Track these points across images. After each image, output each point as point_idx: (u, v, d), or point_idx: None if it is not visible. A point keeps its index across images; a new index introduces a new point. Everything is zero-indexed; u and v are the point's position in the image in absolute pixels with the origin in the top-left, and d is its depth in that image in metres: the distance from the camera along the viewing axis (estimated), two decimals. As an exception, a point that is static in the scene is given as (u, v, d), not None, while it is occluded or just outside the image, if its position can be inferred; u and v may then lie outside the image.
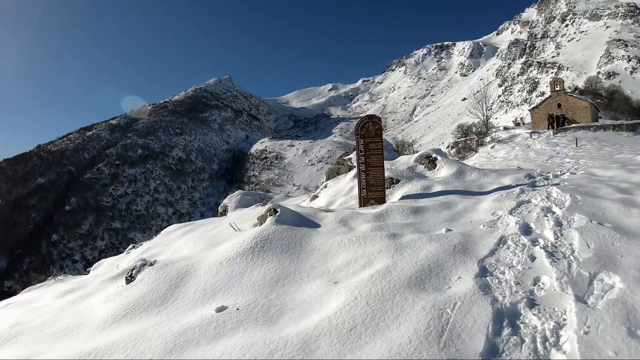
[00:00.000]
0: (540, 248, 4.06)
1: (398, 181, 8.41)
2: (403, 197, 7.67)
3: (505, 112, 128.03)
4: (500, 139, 28.54)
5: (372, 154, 7.88)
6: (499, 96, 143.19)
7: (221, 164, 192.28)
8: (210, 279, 4.75)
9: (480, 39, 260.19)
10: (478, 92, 42.22)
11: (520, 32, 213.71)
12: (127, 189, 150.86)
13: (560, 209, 5.30)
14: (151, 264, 5.66)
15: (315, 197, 10.59)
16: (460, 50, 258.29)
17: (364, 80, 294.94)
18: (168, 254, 7.37)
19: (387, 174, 8.66)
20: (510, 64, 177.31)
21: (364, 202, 7.94)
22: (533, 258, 3.90)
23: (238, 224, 8.42)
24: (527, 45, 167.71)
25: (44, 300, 7.13)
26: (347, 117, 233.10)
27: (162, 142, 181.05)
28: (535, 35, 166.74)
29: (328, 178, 11.27)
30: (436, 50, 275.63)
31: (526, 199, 6.09)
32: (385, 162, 10.10)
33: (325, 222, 6.35)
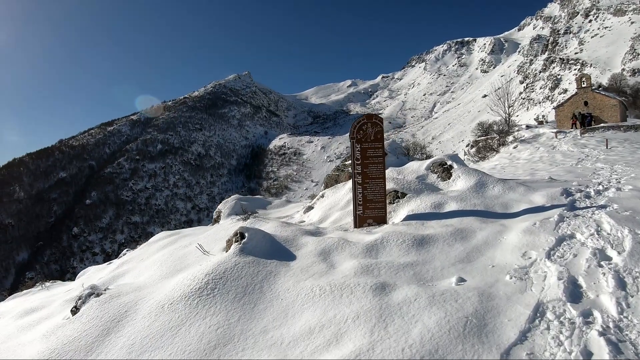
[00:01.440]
0: (599, 335, 2.58)
1: (404, 195, 6.93)
2: (408, 217, 6.21)
3: (527, 109, 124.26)
4: (523, 138, 26.57)
5: (370, 162, 6.44)
6: (520, 93, 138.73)
7: (240, 159, 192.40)
8: (144, 329, 4.05)
9: (501, 35, 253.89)
10: (499, 88, 40.16)
11: (543, 28, 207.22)
12: (146, 184, 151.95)
13: (619, 253, 3.78)
14: (98, 295, 5.27)
15: (310, 208, 9.19)
16: (481, 46, 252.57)
17: (383, 77, 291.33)
18: (130, 277, 6.75)
19: (390, 185, 7.20)
20: (532, 60, 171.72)
21: (359, 221, 6.51)
22: (588, 355, 2.41)
23: (211, 243, 7.32)
24: (550, 41, 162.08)
25: (6, 318, 7.04)
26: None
27: (181, 137, 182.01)
28: (558, 31, 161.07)
29: (326, 186, 9.91)
30: (456, 46, 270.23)
31: (568, 231, 4.55)
32: (390, 169, 8.65)
33: (302, 253, 5.07)
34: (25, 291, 13.14)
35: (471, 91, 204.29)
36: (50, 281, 14.54)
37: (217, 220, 13.12)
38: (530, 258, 3.97)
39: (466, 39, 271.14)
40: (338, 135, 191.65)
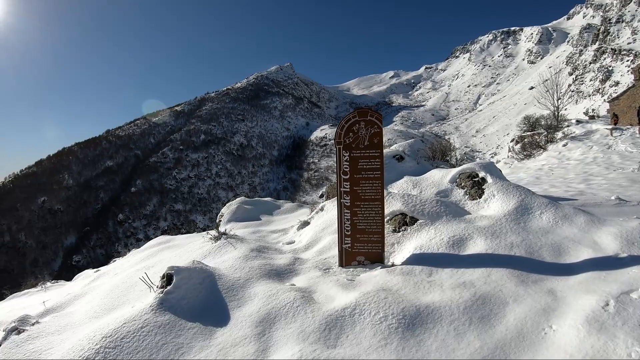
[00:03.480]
0: None
1: (414, 221, 5.01)
2: (414, 258, 4.32)
3: (576, 102, 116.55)
4: (573, 135, 23.41)
5: (363, 178, 4.58)
6: (569, 85, 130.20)
7: (281, 150, 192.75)
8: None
9: (549, 24, 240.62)
10: (546, 80, 36.64)
11: (593, 17, 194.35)
12: (190, 173, 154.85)
13: None
14: (19, 332, 4.60)
15: (306, 224, 7.40)
16: (528, 36, 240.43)
17: (426, 68, 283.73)
18: (78, 305, 5.94)
19: (397, 205, 5.30)
20: (581, 50, 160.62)
21: (346, 258, 4.69)
22: None
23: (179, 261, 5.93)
24: (600, 31, 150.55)
25: None
26: (409, 105, 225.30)
27: (224, 128, 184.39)
28: (609, 19, 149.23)
29: (328, 197, 8.14)
30: (502, 36, 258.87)
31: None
32: (404, 180, 6.70)
33: (239, 317, 3.72)
34: (25, 291, 12.67)
35: (517, 83, 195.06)
36: (53, 281, 13.80)
37: (218, 225, 11.69)
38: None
39: (512, 28, 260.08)
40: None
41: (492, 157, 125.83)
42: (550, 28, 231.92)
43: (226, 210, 11.96)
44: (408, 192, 6.23)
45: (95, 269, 11.60)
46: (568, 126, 26.28)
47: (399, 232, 5.02)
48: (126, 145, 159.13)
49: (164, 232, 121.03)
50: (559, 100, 30.15)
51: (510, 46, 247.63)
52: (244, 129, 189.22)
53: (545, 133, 24.72)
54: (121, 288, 5.60)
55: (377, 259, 4.58)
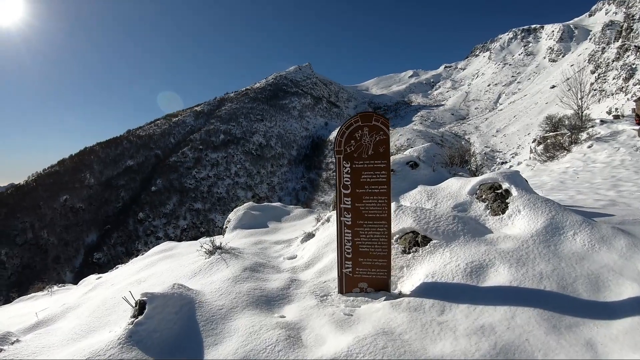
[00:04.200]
0: None
1: (427, 241, 4.38)
2: (424, 288, 3.70)
3: (598, 101, 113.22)
4: (598, 135, 22.19)
5: (367, 193, 3.98)
6: (591, 84, 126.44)
7: (300, 150, 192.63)
8: None
9: (570, 22, 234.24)
10: (568, 79, 35.17)
11: (616, 13, 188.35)
12: (209, 172, 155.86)
13: None
14: None
15: (310, 236, 6.82)
16: (549, 33, 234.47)
17: (446, 67, 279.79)
18: (66, 320, 5.60)
19: (408, 222, 4.67)
20: (604, 48, 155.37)
21: (346, 284, 4.10)
22: None
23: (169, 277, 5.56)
24: (623, 28, 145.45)
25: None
26: (428, 105, 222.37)
27: (243, 127, 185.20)
28: (633, 16, 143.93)
29: (334, 207, 7.46)
30: (523, 34, 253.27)
31: None
32: (419, 189, 6.05)
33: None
34: (31, 294, 12.57)
35: (538, 81, 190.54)
36: (60, 285, 13.63)
37: (225, 232, 11.21)
38: None
39: (533, 26, 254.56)
40: (399, 126, 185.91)
41: (512, 157, 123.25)
42: (571, 25, 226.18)
43: (233, 216, 11.45)
44: (421, 204, 5.59)
45: (97, 276, 11.36)
46: (592, 126, 25.04)
47: (409, 253, 4.39)
48: (147, 145, 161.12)
49: (183, 231, 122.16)
50: (581, 100, 28.88)
51: (531, 44, 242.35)
52: (262, 129, 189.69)
53: (569, 134, 23.58)
54: (107, 305, 5.31)
55: (382, 286, 3.97)
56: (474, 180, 5.48)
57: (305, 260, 5.65)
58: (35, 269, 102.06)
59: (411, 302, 3.43)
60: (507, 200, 4.81)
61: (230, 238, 9.70)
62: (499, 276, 3.60)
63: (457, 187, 5.64)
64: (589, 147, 20.34)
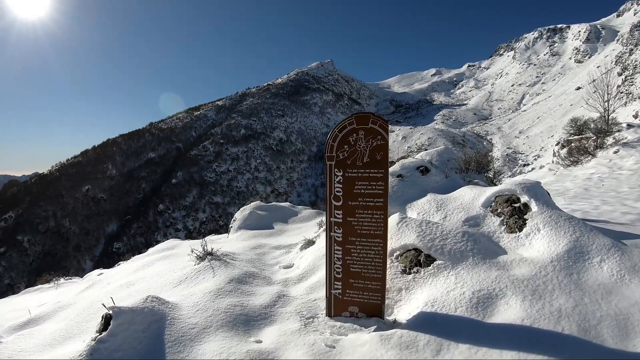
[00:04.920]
0: None
1: (431, 261, 3.87)
2: (423, 317, 3.20)
3: (625, 104, 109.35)
4: (625, 140, 21.03)
5: (360, 206, 3.49)
6: (618, 87, 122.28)
7: (320, 146, 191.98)
8: None
9: (597, 22, 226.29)
10: (594, 80, 33.78)
11: None
12: (229, 166, 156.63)
13: None
14: None
15: (310, 243, 6.36)
16: (575, 33, 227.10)
17: (469, 66, 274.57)
18: (48, 323, 5.50)
19: (411, 238, 4.16)
20: (632, 50, 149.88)
21: (335, 307, 3.64)
22: None
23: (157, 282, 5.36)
24: None
25: None
26: (451, 104, 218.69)
27: (264, 123, 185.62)
28: None
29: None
30: (548, 34, 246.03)
31: None
32: (428, 197, 5.53)
33: None
34: (38, 286, 12.54)
35: (564, 83, 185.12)
36: (67, 278, 13.50)
37: (229, 231, 10.86)
38: None
39: (559, 25, 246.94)
40: (420, 125, 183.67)
41: (535, 159, 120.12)
42: (598, 26, 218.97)
43: (239, 216, 11.12)
44: (429, 215, 5.06)
45: (99, 271, 11.21)
46: (619, 131, 23.88)
47: (410, 274, 3.88)
48: (168, 138, 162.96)
49: (202, 224, 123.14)
50: (607, 102, 27.66)
51: (556, 44, 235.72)
52: (283, 125, 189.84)
53: (594, 137, 22.52)
54: (92, 309, 5.05)
55: (374, 312, 3.49)
56: (489, 191, 4.93)
57: (299, 272, 5.20)
58: (56, 257, 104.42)
59: (404, 337, 2.93)
60: (525, 216, 4.25)
61: (233, 239, 9.37)
62: (509, 310, 3.06)
63: (470, 197, 5.09)
64: (615, 152, 19.33)
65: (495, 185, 7.03)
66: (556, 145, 26.91)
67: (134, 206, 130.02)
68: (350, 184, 3.47)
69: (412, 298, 3.60)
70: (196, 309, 3.90)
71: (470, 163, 7.00)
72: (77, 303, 6.14)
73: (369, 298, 3.50)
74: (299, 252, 6.34)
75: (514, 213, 4.38)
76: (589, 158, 20.04)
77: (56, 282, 11.89)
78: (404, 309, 3.52)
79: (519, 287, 3.26)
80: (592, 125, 25.52)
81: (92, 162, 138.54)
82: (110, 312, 3.54)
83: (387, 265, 3.95)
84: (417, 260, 3.93)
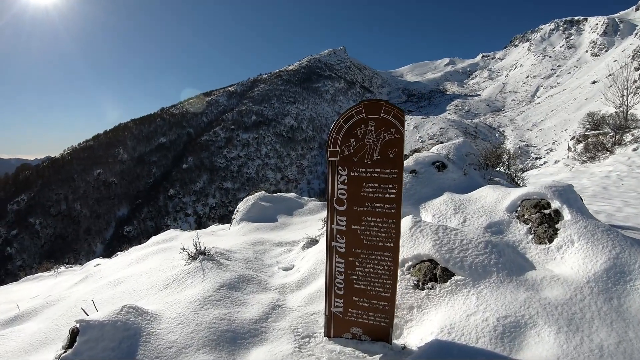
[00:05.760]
0: None
1: (448, 276, 3.34)
2: (437, 346, 2.71)
3: None
4: None
5: (369, 212, 2.97)
6: (635, 82, 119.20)
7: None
8: None
9: (616, 15, 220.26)
10: (611, 74, 32.56)
11: None
12: (239, 152, 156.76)
13: None
14: None
15: (314, 242, 5.87)
16: (593, 26, 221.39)
17: (483, 56, 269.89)
18: (42, 318, 5.16)
19: (426, 247, 3.63)
20: None
21: (335, 327, 3.16)
22: None
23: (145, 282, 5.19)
24: None
25: None
26: (464, 94, 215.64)
27: (275, 109, 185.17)
28: None
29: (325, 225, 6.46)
30: (565, 26, 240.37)
31: None
32: (444, 197, 5.00)
33: None
34: (38, 274, 12.34)
35: (579, 76, 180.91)
36: (66, 266, 13.26)
37: (231, 223, 10.42)
38: None
39: (576, 17, 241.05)
40: (432, 115, 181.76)
41: (547, 152, 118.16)
42: (616, 19, 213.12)
43: (242, 206, 10.62)
44: (446, 219, 4.53)
45: (97, 262, 10.87)
46: (638, 127, 22.94)
47: (424, 289, 3.37)
48: (179, 123, 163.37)
49: (212, 209, 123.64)
50: (624, 97, 26.58)
51: (572, 37, 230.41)
52: (294, 112, 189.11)
53: (612, 134, 21.63)
54: (74, 311, 4.77)
55: (380, 335, 2.99)
56: (515, 193, 4.38)
57: (299, 276, 4.73)
58: (67, 240, 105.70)
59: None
60: (556, 225, 3.71)
61: (234, 232, 8.94)
62: (542, 344, 2.54)
63: (493, 199, 4.54)
64: (634, 150, 18.51)
65: (517, 184, 6.44)
66: (571, 139, 26.01)
67: (145, 190, 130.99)
68: (357, 186, 2.95)
69: (424, 319, 3.10)
70: (177, 322, 3.44)
71: (491, 159, 6.40)
72: (65, 299, 5.81)
73: (375, 319, 3.00)
74: (300, 252, 5.86)
75: (544, 221, 3.83)
76: (607, 155, 19.22)
77: (56, 270, 11.66)
78: (415, 332, 3.02)
79: (552, 315, 2.74)
80: (612, 121, 24.56)
81: (104, 146, 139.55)
82: (78, 326, 3.10)
83: (397, 278, 3.45)
84: (432, 274, 3.41)
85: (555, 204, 3.89)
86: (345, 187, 2.97)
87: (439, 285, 3.30)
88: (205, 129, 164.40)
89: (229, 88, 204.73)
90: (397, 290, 3.37)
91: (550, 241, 3.63)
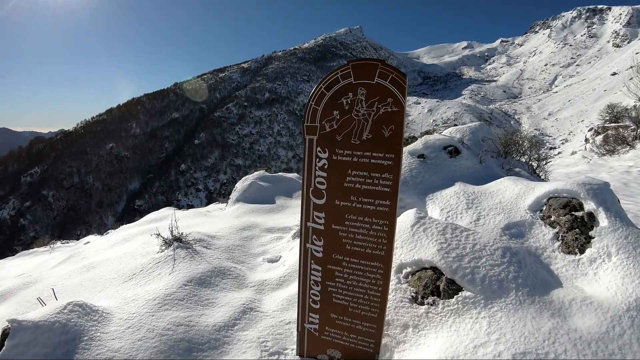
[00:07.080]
0: None
1: (455, 291, 2.68)
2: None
3: None
4: None
5: (354, 209, 2.30)
6: None
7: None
8: None
9: None
10: (632, 67, 31.10)
11: None
12: (252, 130, 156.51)
13: None
14: None
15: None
16: (616, 16, 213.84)
17: (502, 41, 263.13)
18: (10, 303, 4.80)
19: (430, 251, 2.97)
20: None
21: (309, 347, 2.57)
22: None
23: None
24: None
25: None
26: (480, 79, 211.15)
27: (289, 87, 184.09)
28: None
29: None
30: (587, 14, 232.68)
31: None
32: (456, 187, 4.33)
33: None
34: (33, 250, 12.09)
35: (599, 67, 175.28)
36: (64, 241, 13.00)
37: (228, 203, 9.86)
38: None
39: (599, 6, 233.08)
40: (447, 99, 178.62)
41: (562, 143, 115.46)
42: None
43: (239, 186, 10.03)
44: (456, 215, 3.87)
45: (86, 240, 10.51)
46: (659, 122, 21.76)
47: (423, 304, 2.73)
48: (192, 99, 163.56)
49: (222, 185, 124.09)
50: None
51: (595, 26, 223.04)
52: (308, 90, 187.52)
53: (633, 127, 20.54)
54: (42, 296, 4.22)
55: (364, 363, 2.37)
56: (540, 189, 3.68)
57: (283, 270, 4.15)
58: (79, 212, 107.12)
59: None
60: (590, 232, 3.02)
61: (227, 213, 8.39)
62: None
63: (513, 194, 3.86)
64: (656, 145, 17.50)
65: (539, 176, 5.72)
66: (589, 131, 24.84)
67: (157, 165, 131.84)
68: (340, 174, 2.29)
69: (421, 343, 2.47)
70: (127, 326, 2.87)
71: (511, 146, 5.66)
72: (43, 281, 5.42)
73: (357, 343, 2.39)
74: (290, 241, 5.26)
75: (575, 225, 3.15)
76: (627, 149, 18.21)
77: (52, 246, 11.37)
78: (407, 357, 2.40)
79: (584, 355, 2.09)
80: (634, 114, 23.31)
81: (117, 120, 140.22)
82: (9, 326, 2.58)
83: (391, 287, 2.82)
84: (435, 286, 2.76)
85: (589, 206, 3.20)
86: (324, 174, 2.32)
87: (442, 301, 2.66)
88: (218, 105, 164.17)
89: (243, 65, 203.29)
90: (391, 302, 2.75)
91: (582, 251, 2.95)
